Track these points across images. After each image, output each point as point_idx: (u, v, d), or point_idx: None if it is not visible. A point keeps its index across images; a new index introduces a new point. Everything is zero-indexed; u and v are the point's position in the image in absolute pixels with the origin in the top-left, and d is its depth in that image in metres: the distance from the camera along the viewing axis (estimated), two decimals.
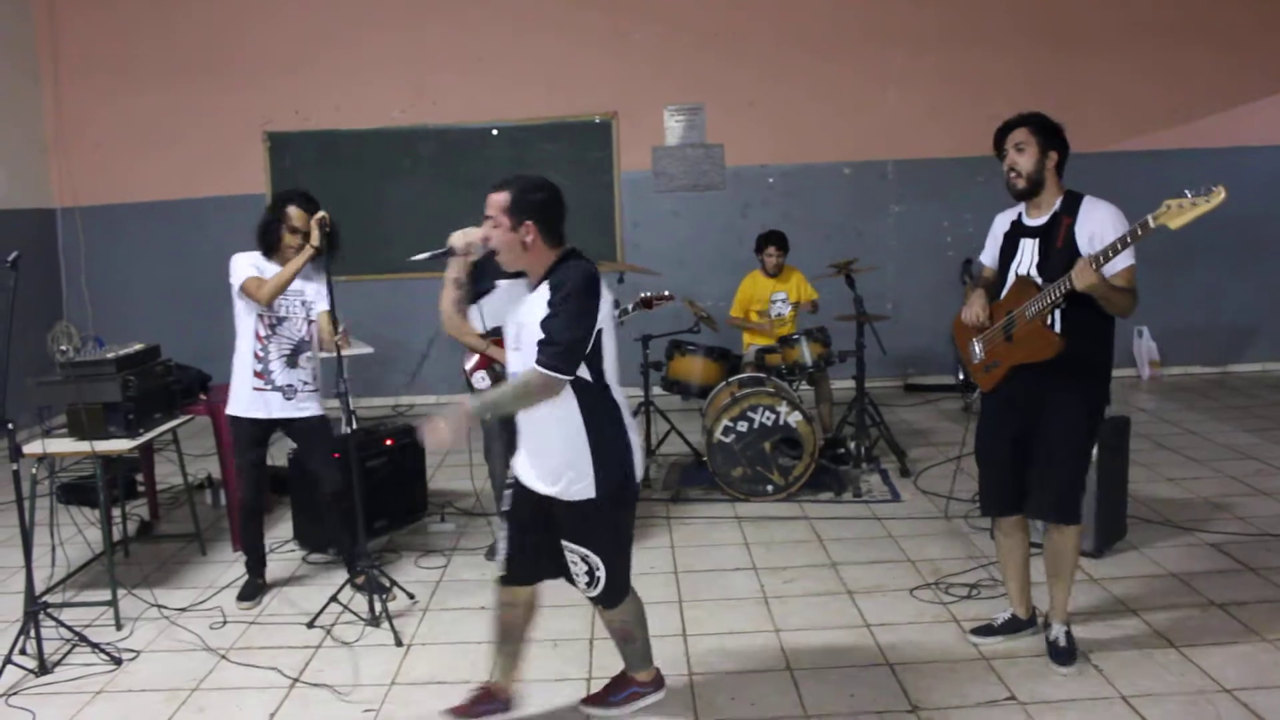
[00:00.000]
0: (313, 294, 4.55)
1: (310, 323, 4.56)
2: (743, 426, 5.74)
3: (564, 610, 4.44)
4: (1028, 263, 3.62)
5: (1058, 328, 3.52)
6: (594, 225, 8.73)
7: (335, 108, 8.72)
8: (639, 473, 3.21)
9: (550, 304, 2.96)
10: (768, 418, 5.71)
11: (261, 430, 4.58)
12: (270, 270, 4.42)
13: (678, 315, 7.37)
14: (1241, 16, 8.60)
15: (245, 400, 4.53)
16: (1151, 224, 3.17)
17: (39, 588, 4.29)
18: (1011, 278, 3.68)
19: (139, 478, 6.04)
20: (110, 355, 4.67)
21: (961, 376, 8.17)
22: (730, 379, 6.22)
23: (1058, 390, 3.59)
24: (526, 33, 8.67)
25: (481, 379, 5.05)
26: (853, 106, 8.72)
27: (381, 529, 5.35)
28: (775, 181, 8.86)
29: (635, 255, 8.57)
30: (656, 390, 6.57)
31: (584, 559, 3.17)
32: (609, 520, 3.18)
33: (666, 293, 5.58)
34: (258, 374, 4.49)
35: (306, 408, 4.59)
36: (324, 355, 4.70)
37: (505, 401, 3.11)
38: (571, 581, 3.27)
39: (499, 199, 3.02)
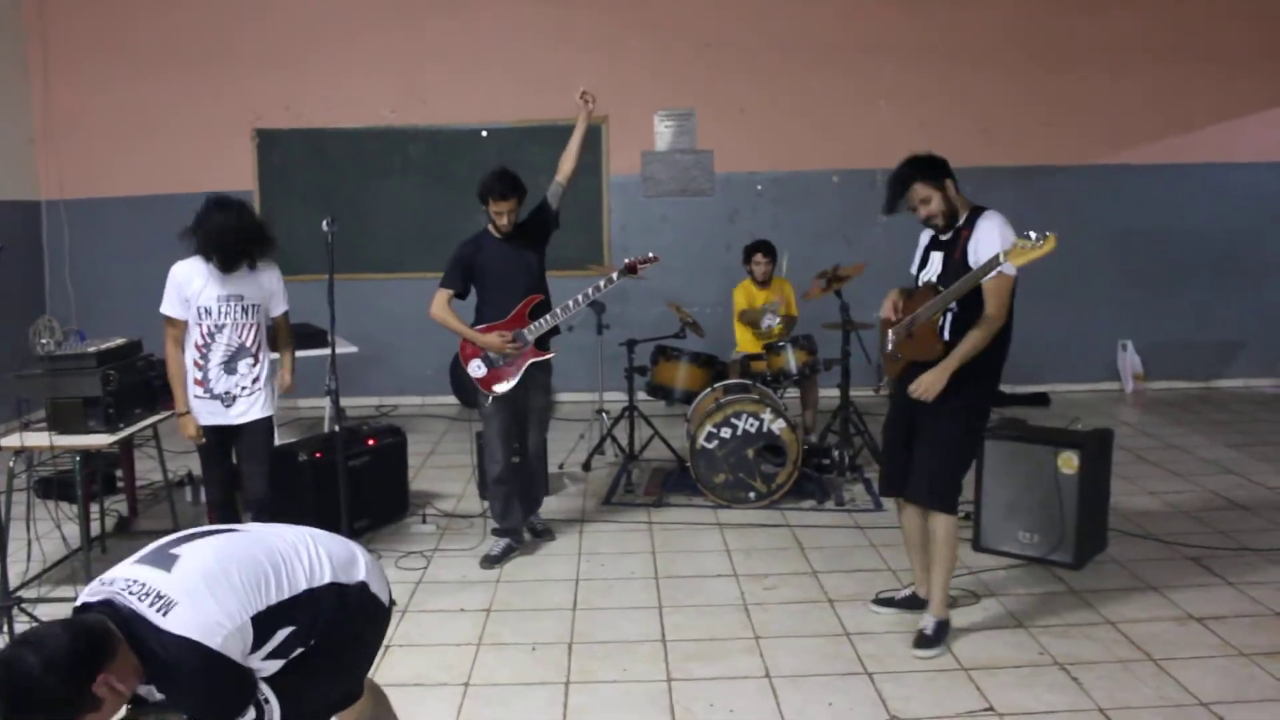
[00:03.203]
0: (257, 295, 4.40)
1: (256, 326, 4.42)
2: (726, 433, 5.73)
3: (542, 614, 4.43)
4: (933, 272, 4.01)
5: (947, 333, 3.88)
6: (581, 228, 8.71)
7: (326, 106, 8.68)
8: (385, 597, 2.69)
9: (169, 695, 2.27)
10: (751, 425, 5.71)
11: (217, 437, 4.46)
12: (206, 277, 4.30)
13: (663, 320, 7.37)
14: (1232, 35, 8.64)
15: (195, 408, 4.41)
16: (1001, 259, 3.56)
17: (13, 582, 4.26)
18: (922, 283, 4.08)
19: (118, 473, 6.00)
20: (91, 349, 4.64)
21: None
22: (715, 385, 6.22)
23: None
24: (518, 35, 8.65)
25: (477, 367, 5.05)
26: (843, 116, 8.72)
27: (362, 529, 5.32)
28: (764, 188, 8.86)
29: (622, 259, 8.55)
30: (641, 395, 6.56)
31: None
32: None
33: (651, 254, 5.35)
34: (197, 381, 4.38)
35: (248, 414, 4.44)
36: (274, 356, 4.62)
37: None
38: None
39: None
